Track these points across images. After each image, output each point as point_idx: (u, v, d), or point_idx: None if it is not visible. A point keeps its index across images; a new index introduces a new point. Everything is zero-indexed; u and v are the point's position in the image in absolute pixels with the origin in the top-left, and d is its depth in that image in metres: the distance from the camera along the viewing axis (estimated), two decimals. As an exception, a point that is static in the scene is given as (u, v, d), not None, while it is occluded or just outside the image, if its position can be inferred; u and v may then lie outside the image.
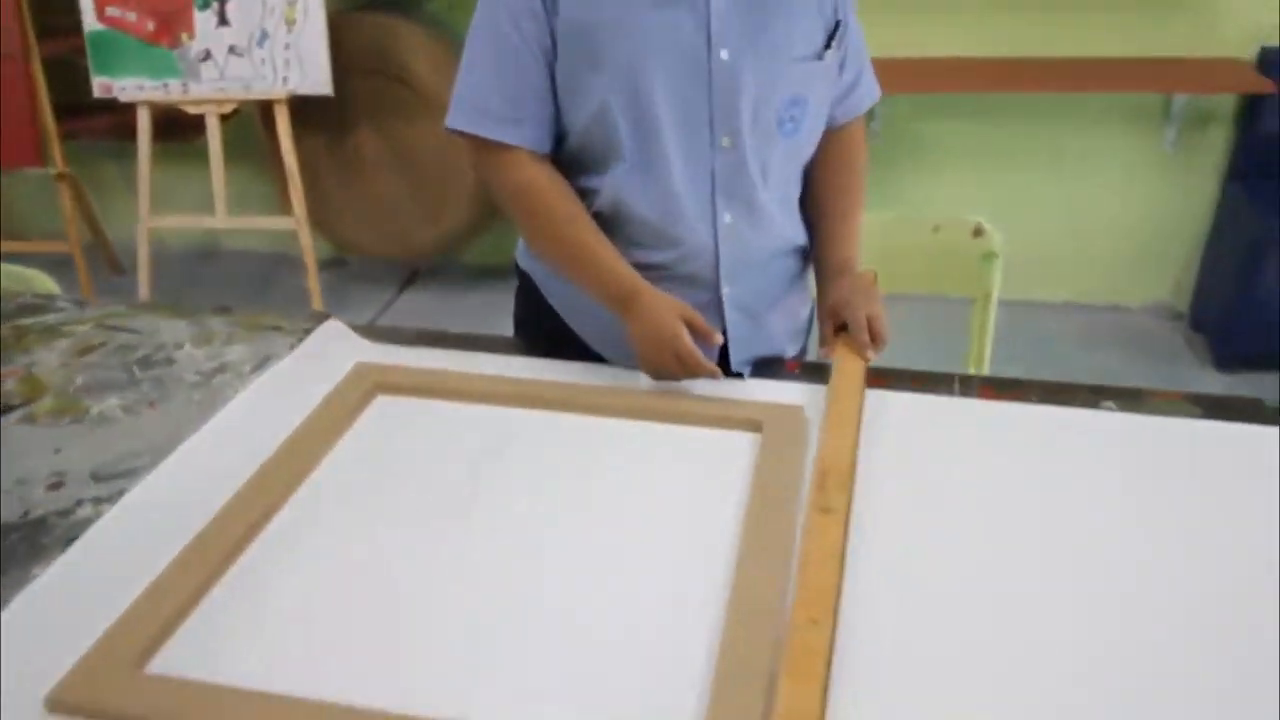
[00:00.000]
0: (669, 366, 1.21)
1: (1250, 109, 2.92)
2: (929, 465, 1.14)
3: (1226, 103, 2.98)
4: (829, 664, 0.85)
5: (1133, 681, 0.87)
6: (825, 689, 0.82)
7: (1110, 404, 1.25)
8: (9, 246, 3.22)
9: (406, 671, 0.87)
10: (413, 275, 3.68)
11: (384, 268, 3.66)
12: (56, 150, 3.12)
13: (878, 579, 0.97)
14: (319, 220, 3.34)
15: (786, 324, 1.45)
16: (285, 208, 3.23)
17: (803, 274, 1.47)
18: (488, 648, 0.90)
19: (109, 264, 3.65)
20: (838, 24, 1.27)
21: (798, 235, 1.41)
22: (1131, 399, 1.26)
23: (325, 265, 3.39)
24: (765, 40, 1.21)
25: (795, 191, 1.39)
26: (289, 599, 0.96)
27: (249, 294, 3.60)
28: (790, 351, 1.46)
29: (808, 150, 1.36)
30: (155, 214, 3.11)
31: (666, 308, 1.20)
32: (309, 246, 3.10)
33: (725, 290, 1.32)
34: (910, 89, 2.96)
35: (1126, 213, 3.18)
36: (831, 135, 1.40)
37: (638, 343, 1.22)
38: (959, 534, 1.03)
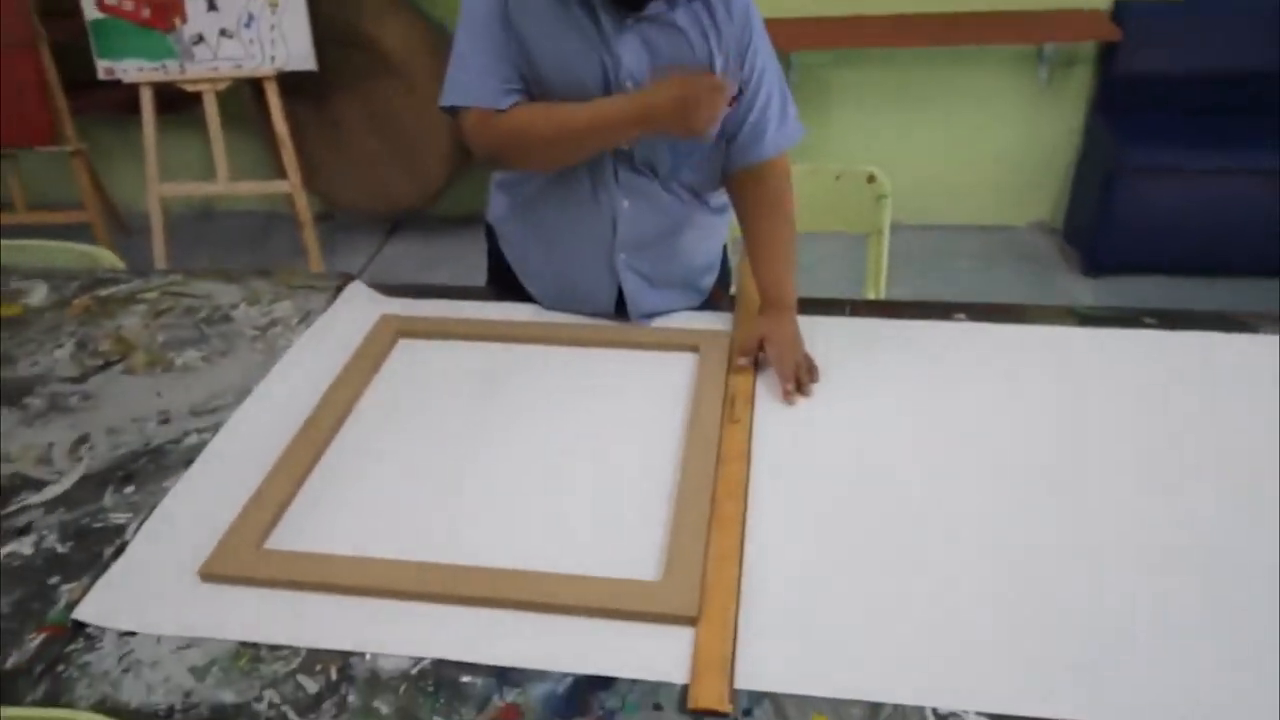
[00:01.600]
0: (704, 101, 1.22)
1: (1107, 51, 3.09)
2: (819, 375, 1.37)
3: (1089, 46, 3.15)
4: (743, 521, 1.12)
5: (948, 538, 1.12)
6: (741, 536, 1.10)
7: (961, 315, 1.51)
8: (35, 217, 3.34)
9: (445, 539, 1.11)
10: (395, 226, 3.76)
11: (368, 220, 3.73)
12: (69, 129, 3.20)
13: (774, 466, 1.22)
14: (307, 179, 3.41)
15: (686, 295, 1.55)
16: (276, 170, 3.33)
17: (706, 251, 1.57)
18: (503, 517, 1.15)
19: (117, 227, 3.76)
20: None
21: (700, 217, 1.51)
22: (979, 312, 1.51)
23: (314, 219, 3.43)
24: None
25: (701, 189, 1.48)
26: (355, 491, 1.20)
27: (248, 249, 3.68)
28: (683, 304, 1.55)
29: (711, 166, 1.45)
30: (161, 181, 3.23)
31: (664, 84, 1.24)
32: (304, 206, 3.22)
33: (621, 256, 1.45)
34: (823, 44, 3.12)
35: (1010, 144, 3.36)
36: (755, 178, 1.44)
37: (674, 114, 1.23)
38: (841, 430, 1.28)
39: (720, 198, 1.55)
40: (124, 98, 3.22)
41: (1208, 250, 3.05)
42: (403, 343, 1.49)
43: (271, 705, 0.93)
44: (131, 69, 3.11)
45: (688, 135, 1.26)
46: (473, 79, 1.34)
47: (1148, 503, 1.13)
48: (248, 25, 3.04)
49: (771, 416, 1.30)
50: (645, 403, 1.34)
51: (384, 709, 0.92)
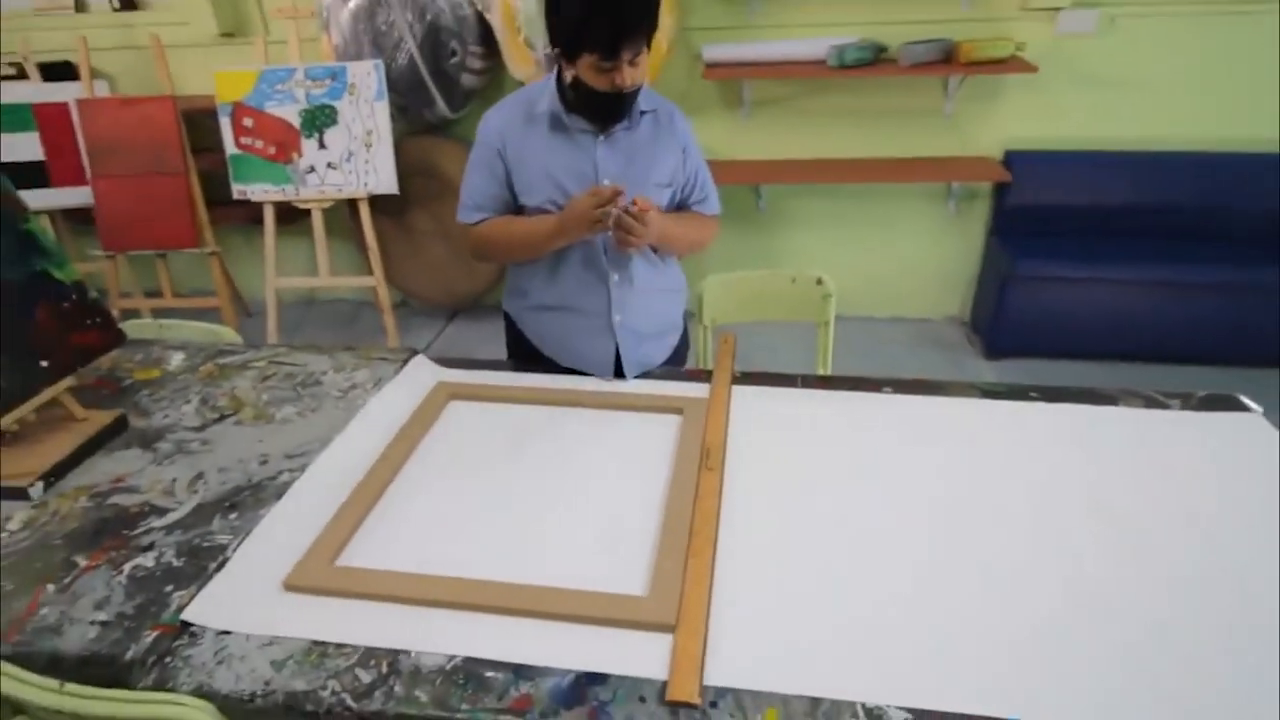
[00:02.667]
0: (586, 208, 1.30)
1: (1000, 189, 3.13)
2: (777, 433, 1.36)
3: (986, 184, 3.19)
4: (715, 549, 1.09)
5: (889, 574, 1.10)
6: (713, 562, 1.07)
7: (889, 389, 1.50)
8: (178, 303, 3.37)
9: (478, 560, 1.09)
10: (455, 312, 3.76)
11: (434, 308, 3.74)
12: (209, 235, 3.26)
13: (740, 505, 1.20)
14: (389, 275, 3.43)
15: (661, 347, 1.59)
16: (365, 268, 3.37)
17: (673, 312, 1.61)
18: (524, 542, 1.12)
19: (241, 310, 3.79)
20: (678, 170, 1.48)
21: (668, 283, 1.58)
22: (903, 386, 1.50)
23: (393, 307, 3.45)
24: (631, 174, 1.43)
25: (664, 256, 1.55)
26: (410, 520, 1.18)
27: (341, 329, 3.69)
28: (660, 356, 1.59)
29: None
30: (277, 276, 3.27)
31: (572, 203, 1.34)
32: (385, 296, 3.25)
33: (616, 318, 1.49)
34: (786, 180, 3.16)
35: (929, 256, 3.36)
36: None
37: (568, 224, 1.34)
38: (794, 477, 1.25)
39: (680, 273, 1.62)
40: (252, 213, 3.26)
41: (1079, 339, 3.04)
42: (453, 404, 1.48)
43: (334, 693, 0.90)
44: (259, 191, 3.16)
45: (591, 234, 1.36)
46: (464, 199, 1.50)
47: (1034, 531, 1.11)
48: (348, 160, 3.10)
49: (740, 465, 1.28)
50: (639, 452, 1.32)
51: (423, 697, 0.89)
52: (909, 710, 0.86)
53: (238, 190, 3.16)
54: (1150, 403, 1.42)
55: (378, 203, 3.24)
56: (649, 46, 1.33)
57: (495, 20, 2.90)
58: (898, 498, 1.20)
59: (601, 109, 1.37)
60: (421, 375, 1.57)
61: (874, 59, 2.89)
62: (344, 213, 3.39)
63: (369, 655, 0.95)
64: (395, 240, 3.49)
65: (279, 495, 1.23)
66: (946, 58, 2.85)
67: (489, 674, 0.92)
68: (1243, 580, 1.02)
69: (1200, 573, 1.04)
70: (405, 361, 1.62)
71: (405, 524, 1.17)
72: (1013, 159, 3.07)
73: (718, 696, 0.88)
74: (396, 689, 0.90)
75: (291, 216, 3.32)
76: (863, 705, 0.86)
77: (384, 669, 0.93)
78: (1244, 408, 1.39)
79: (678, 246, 1.54)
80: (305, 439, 1.38)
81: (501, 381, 1.53)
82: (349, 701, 0.89)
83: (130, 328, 1.84)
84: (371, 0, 2.96)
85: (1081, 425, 1.36)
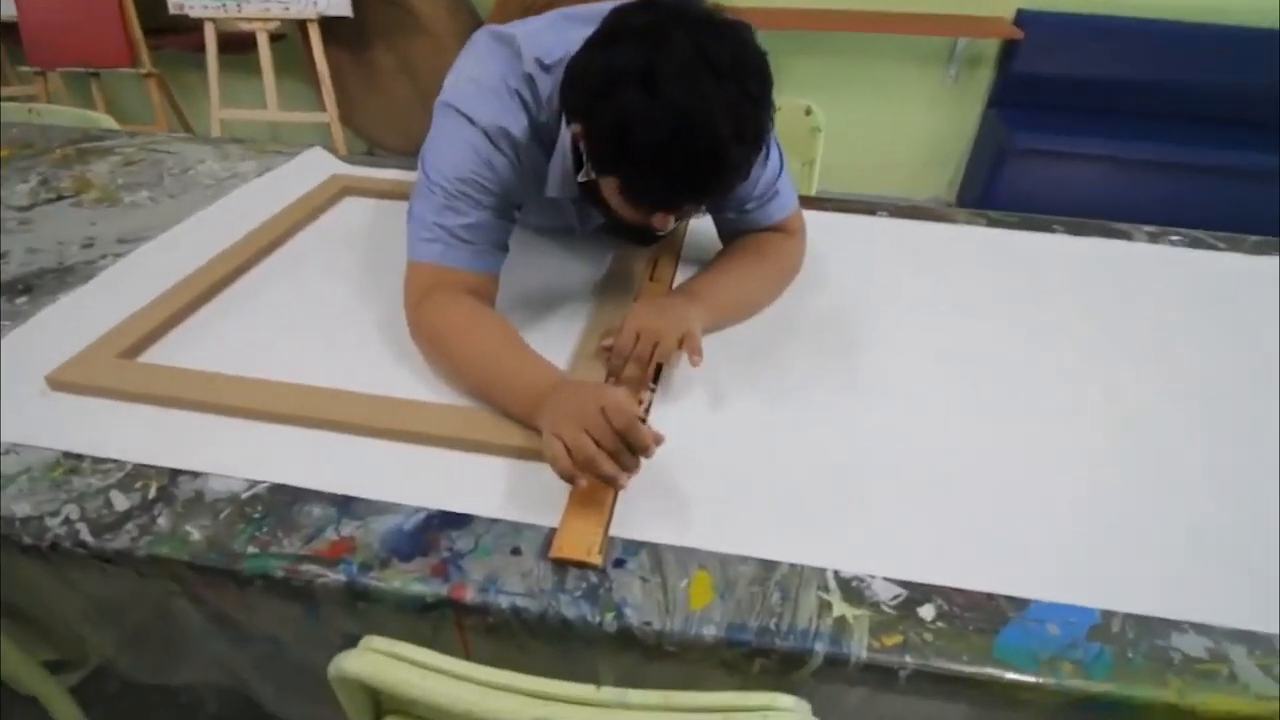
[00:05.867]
0: (597, 425, 0.57)
1: (1007, 54, 2.69)
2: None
3: (992, 48, 2.74)
4: (650, 372, 0.76)
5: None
6: (646, 386, 0.75)
7: (883, 212, 1.15)
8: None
9: (333, 372, 0.74)
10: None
11: (399, 158, 3.33)
12: (145, 54, 2.74)
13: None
14: (348, 120, 3.02)
15: None
16: (319, 105, 2.91)
17: None
18: (396, 350, 0.78)
19: (198, 151, 3.32)
20: None
21: None
22: (899, 211, 1.17)
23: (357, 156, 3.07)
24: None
25: None
26: (257, 320, 0.83)
27: (301, 174, 3.27)
28: None
29: None
30: (223, 108, 2.79)
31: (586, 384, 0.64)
32: (339, 135, 2.79)
33: None
34: (784, 26, 2.66)
35: (920, 129, 2.95)
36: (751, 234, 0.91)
37: (552, 424, 0.59)
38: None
39: None
40: (197, 40, 2.75)
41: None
42: (348, 200, 1.11)
43: (66, 521, 0.57)
44: (197, 6, 2.63)
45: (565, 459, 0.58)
46: (425, 225, 0.80)
47: (1036, 364, 0.79)
48: (296, -26, 2.57)
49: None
50: (562, 263, 0.96)
51: (194, 534, 0.57)
52: (900, 583, 0.54)
53: (173, 4, 2.62)
54: (1196, 243, 1.08)
55: (332, 33, 2.71)
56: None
57: None
58: (885, 330, 0.86)
59: (625, 233, 0.92)
60: (316, 168, 1.18)
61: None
62: (297, 47, 2.86)
63: (137, 475, 0.62)
64: (353, 77, 2.98)
65: (89, 280, 0.87)
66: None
67: (301, 507, 0.59)
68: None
69: (1251, 415, 0.72)
70: (300, 154, 1.23)
71: (246, 323, 0.82)
72: (1025, 19, 2.60)
73: (626, 553, 0.57)
74: (159, 521, 0.58)
75: (240, 46, 2.80)
76: (836, 573, 0.55)
77: (151, 493, 0.60)
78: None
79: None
80: (150, 223, 1.01)
81: (410, 178, 1.15)
82: (83, 535, 0.56)
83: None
84: None
85: (1105, 260, 1.02)
